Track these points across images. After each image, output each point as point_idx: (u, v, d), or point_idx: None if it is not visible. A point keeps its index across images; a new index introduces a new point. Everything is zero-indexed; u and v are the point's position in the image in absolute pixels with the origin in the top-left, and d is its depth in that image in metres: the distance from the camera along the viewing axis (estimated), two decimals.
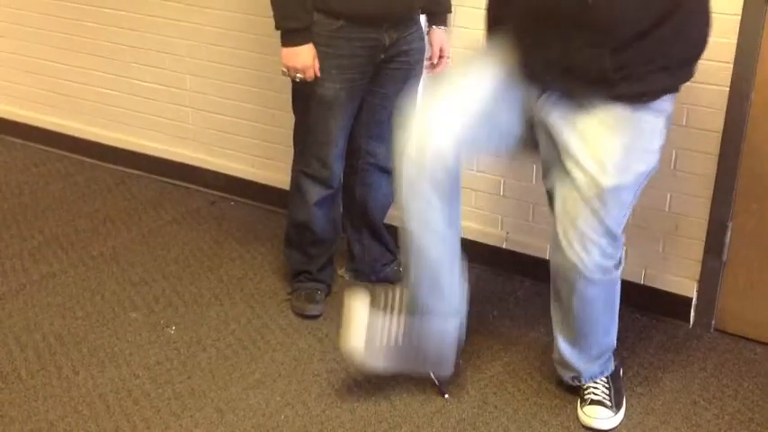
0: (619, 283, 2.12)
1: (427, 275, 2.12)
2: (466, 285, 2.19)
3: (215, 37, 3.24)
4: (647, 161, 1.94)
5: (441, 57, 2.58)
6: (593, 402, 2.18)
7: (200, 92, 3.38)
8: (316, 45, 2.33)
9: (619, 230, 1.99)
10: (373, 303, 2.17)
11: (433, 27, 2.55)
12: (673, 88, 1.94)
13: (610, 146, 1.89)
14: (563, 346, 2.19)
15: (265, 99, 3.18)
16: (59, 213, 3.29)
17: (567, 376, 2.25)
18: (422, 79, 2.60)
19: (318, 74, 2.34)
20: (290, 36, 2.30)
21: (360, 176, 2.67)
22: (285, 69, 2.34)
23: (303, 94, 2.44)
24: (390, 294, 2.18)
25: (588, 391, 2.21)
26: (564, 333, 2.18)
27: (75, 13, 3.58)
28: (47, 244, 3.06)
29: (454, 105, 1.99)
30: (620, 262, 2.06)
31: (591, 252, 1.97)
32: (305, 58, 2.31)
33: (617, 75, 1.85)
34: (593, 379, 2.22)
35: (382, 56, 2.41)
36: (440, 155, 1.96)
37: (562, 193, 1.98)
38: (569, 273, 2.02)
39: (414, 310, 2.15)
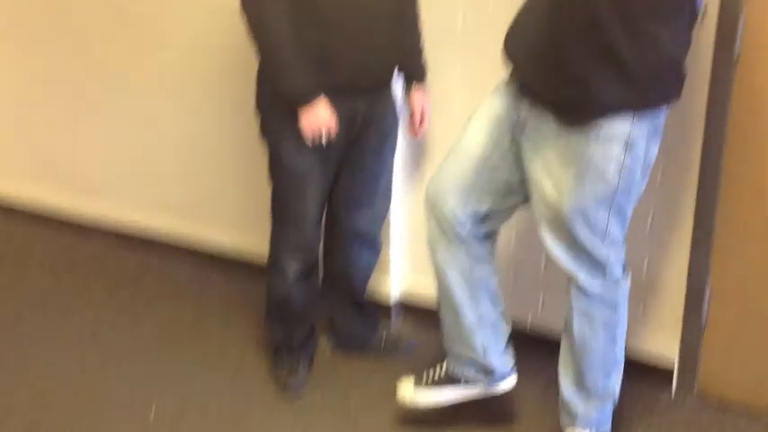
0: (620, 311, 2.18)
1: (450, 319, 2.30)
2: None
3: (196, 104, 3.28)
4: (606, 184, 2.00)
5: (422, 120, 2.58)
6: None
7: (181, 163, 3.40)
8: (291, 117, 2.31)
9: (598, 250, 2.07)
10: (417, 382, 2.39)
11: (414, 87, 2.54)
12: (626, 104, 1.94)
13: (563, 175, 2.00)
14: (564, 383, 2.24)
15: (248, 170, 3.20)
16: (39, 286, 3.27)
17: (565, 421, 2.27)
18: (397, 146, 2.63)
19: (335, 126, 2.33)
20: (306, 97, 2.28)
21: (339, 247, 2.67)
22: (309, 136, 2.31)
23: (279, 165, 2.44)
24: (431, 371, 2.40)
25: None
26: (566, 365, 2.24)
27: (51, 76, 3.62)
28: (25, 318, 3.03)
29: (456, 167, 2.19)
30: (614, 281, 2.14)
31: (577, 270, 2.11)
32: (323, 112, 2.30)
33: (554, 54, 1.92)
34: (588, 428, 2.23)
35: (357, 125, 2.42)
36: (451, 213, 2.19)
37: (537, 212, 2.12)
38: (568, 285, 2.16)
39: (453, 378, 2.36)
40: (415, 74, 2.55)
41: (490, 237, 2.27)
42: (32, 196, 3.85)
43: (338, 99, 2.34)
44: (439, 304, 2.33)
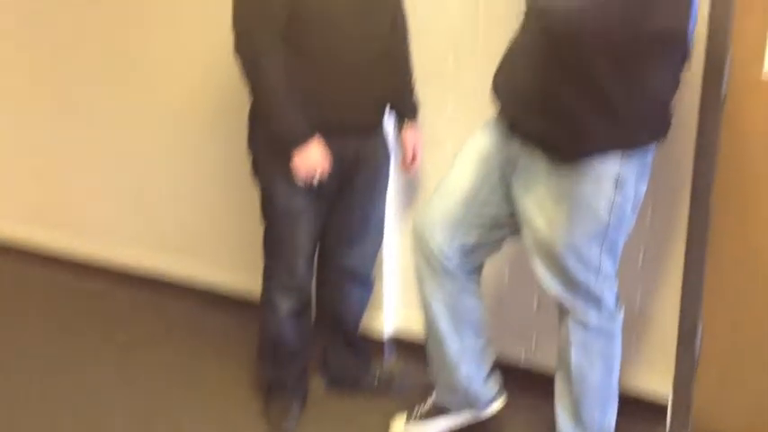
0: (616, 342, 2.20)
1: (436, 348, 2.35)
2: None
3: (189, 144, 3.29)
4: (598, 222, 2.03)
5: (414, 156, 2.60)
6: None
7: (175, 201, 3.40)
8: (283, 156, 2.32)
9: (592, 285, 2.10)
10: (408, 418, 2.50)
11: (405, 124, 2.56)
12: (615, 145, 1.97)
13: (556, 212, 2.03)
14: (562, 419, 2.24)
15: (240, 208, 3.21)
16: (30, 331, 3.25)
17: None
18: (390, 183, 2.64)
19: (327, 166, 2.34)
20: (300, 137, 2.29)
21: (332, 285, 2.67)
22: (302, 177, 2.31)
23: (271, 204, 2.45)
24: (421, 404, 2.49)
25: None
26: (563, 400, 2.24)
27: (43, 118, 3.63)
28: (14, 361, 3.01)
29: (444, 202, 2.21)
30: (609, 313, 2.16)
31: (573, 303, 2.14)
32: (316, 153, 2.30)
33: (541, 95, 1.95)
34: None
35: (348, 164, 2.44)
36: (437, 247, 2.21)
37: (530, 247, 2.15)
38: (565, 317, 2.17)
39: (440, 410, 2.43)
40: (407, 112, 2.57)
41: (476, 269, 2.30)
42: (27, 236, 3.85)
43: (330, 138, 2.35)
44: (425, 335, 2.37)
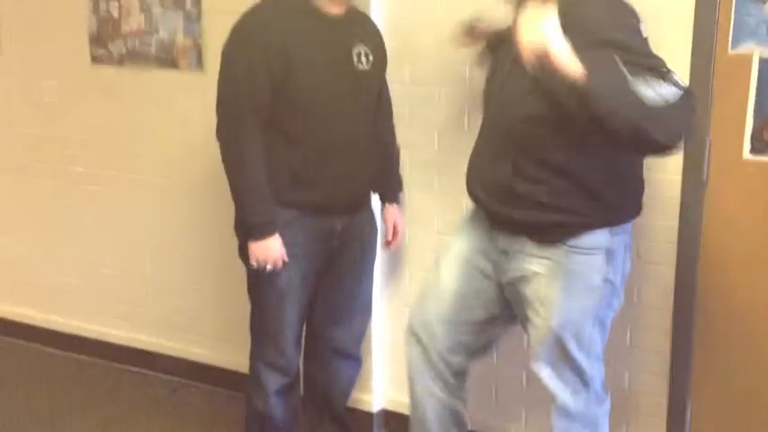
0: (602, 426, 2.17)
1: None
2: None
3: (175, 221, 3.30)
4: (592, 296, 2.02)
5: (395, 233, 2.63)
6: None
7: (160, 277, 3.39)
8: None
9: (582, 363, 2.07)
10: None
11: (386, 205, 2.60)
12: (600, 223, 1.99)
13: (551, 290, 2.02)
14: None
15: (227, 283, 3.20)
16: (13, 404, 3.22)
17: None
18: (377, 260, 2.65)
19: (286, 260, 2.36)
20: (260, 230, 2.32)
21: (319, 361, 2.66)
22: (255, 263, 2.34)
23: (258, 282, 2.44)
24: None
25: None
26: None
27: (32, 197, 3.63)
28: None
29: (436, 306, 2.22)
30: (596, 397, 2.13)
31: (561, 388, 2.10)
32: (274, 249, 2.32)
33: (518, 180, 1.96)
34: None
35: (335, 242, 2.45)
36: (438, 347, 2.22)
37: (528, 334, 2.14)
38: (551, 405, 2.13)
39: None
40: (391, 190, 2.61)
41: (468, 371, 2.31)
42: (10, 307, 3.82)
43: (318, 216, 2.37)
44: (412, 423, 2.35)
